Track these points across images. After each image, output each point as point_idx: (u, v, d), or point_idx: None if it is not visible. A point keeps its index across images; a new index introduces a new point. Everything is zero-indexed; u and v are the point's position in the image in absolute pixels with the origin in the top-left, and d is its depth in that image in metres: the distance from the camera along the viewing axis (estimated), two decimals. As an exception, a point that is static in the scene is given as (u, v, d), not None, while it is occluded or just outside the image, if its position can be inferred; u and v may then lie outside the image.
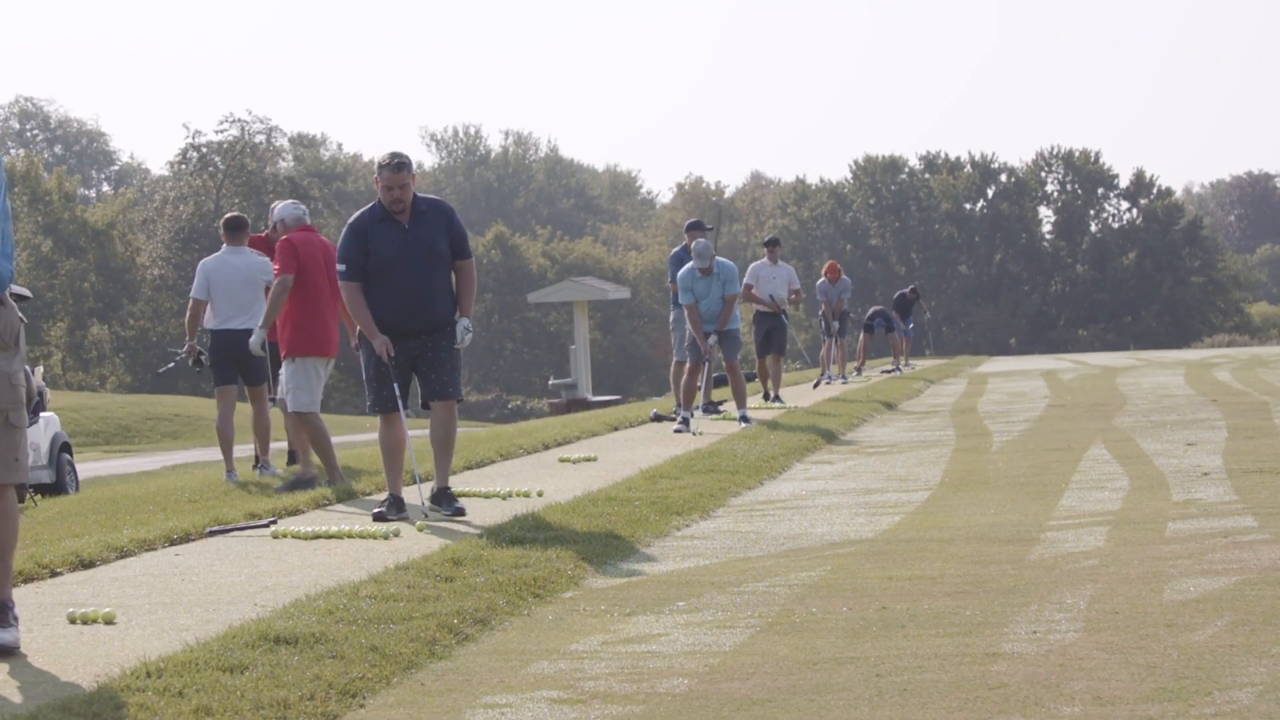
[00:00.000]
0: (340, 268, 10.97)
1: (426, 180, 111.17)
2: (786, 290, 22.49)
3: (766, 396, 22.39)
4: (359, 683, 6.06)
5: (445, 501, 10.90)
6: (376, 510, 10.89)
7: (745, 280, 22.10)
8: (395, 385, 10.89)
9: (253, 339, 13.15)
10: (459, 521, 10.56)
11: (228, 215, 14.74)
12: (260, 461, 14.93)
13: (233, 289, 14.26)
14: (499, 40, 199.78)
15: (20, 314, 6.99)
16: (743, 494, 12.24)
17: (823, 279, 28.74)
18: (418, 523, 10.49)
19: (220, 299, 14.26)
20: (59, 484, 20.28)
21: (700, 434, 17.36)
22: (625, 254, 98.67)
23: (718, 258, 18.51)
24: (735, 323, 18.71)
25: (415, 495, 11.33)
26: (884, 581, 8.05)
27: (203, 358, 14.52)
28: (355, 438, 38.57)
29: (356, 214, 11.10)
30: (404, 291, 10.82)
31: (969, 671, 6.00)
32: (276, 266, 12.91)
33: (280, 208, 13.67)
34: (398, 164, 10.82)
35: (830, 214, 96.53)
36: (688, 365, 18.75)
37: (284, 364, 12.98)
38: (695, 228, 19.98)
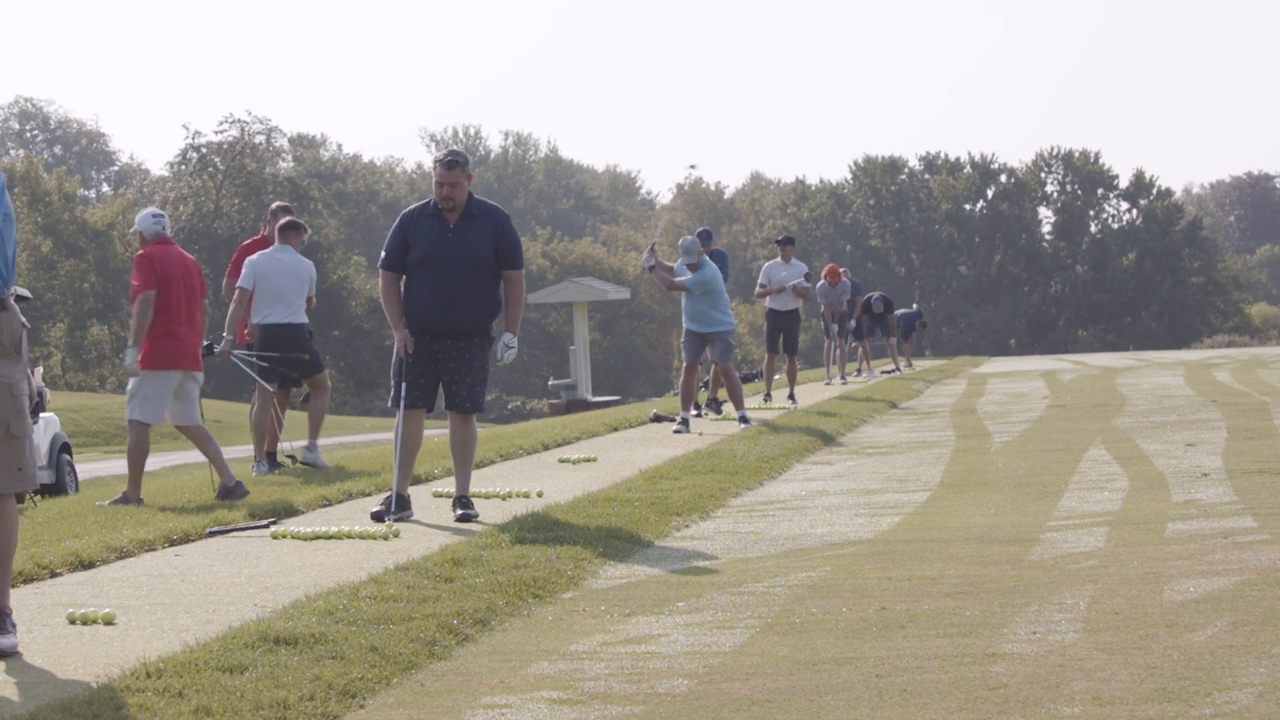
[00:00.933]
0: (382, 255, 10.96)
1: (426, 180, 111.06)
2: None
3: (768, 397, 22.42)
4: (359, 683, 6.06)
5: (462, 508, 10.82)
6: (375, 510, 10.88)
7: (759, 281, 22.63)
8: (406, 383, 10.83)
9: (126, 361, 12.96)
10: (459, 523, 10.55)
11: (283, 220, 15.03)
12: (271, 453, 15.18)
13: (282, 284, 14.67)
14: (499, 40, 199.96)
15: (23, 318, 6.89)
16: (742, 494, 12.24)
17: (822, 281, 28.76)
18: (389, 521, 10.47)
19: (271, 294, 14.63)
20: (59, 484, 20.28)
21: (700, 434, 17.37)
22: (625, 254, 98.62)
23: (706, 259, 18.59)
24: (727, 325, 18.65)
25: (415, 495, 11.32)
26: (884, 582, 8.05)
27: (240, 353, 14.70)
28: (356, 438, 38.54)
29: (409, 206, 11.12)
30: (433, 291, 10.72)
31: (969, 672, 6.00)
32: (136, 282, 12.72)
33: (139, 218, 13.24)
34: (450, 161, 10.74)
35: (830, 214, 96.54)
36: (685, 365, 18.79)
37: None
38: (705, 237, 20.11)
